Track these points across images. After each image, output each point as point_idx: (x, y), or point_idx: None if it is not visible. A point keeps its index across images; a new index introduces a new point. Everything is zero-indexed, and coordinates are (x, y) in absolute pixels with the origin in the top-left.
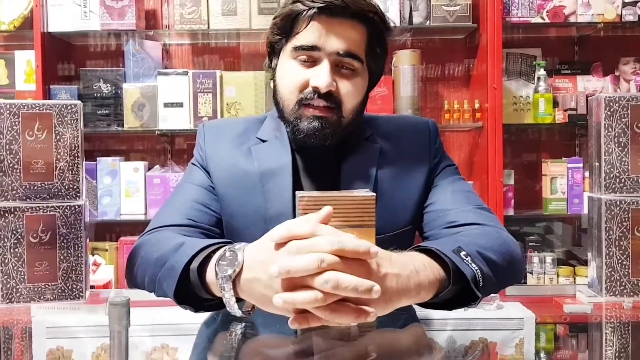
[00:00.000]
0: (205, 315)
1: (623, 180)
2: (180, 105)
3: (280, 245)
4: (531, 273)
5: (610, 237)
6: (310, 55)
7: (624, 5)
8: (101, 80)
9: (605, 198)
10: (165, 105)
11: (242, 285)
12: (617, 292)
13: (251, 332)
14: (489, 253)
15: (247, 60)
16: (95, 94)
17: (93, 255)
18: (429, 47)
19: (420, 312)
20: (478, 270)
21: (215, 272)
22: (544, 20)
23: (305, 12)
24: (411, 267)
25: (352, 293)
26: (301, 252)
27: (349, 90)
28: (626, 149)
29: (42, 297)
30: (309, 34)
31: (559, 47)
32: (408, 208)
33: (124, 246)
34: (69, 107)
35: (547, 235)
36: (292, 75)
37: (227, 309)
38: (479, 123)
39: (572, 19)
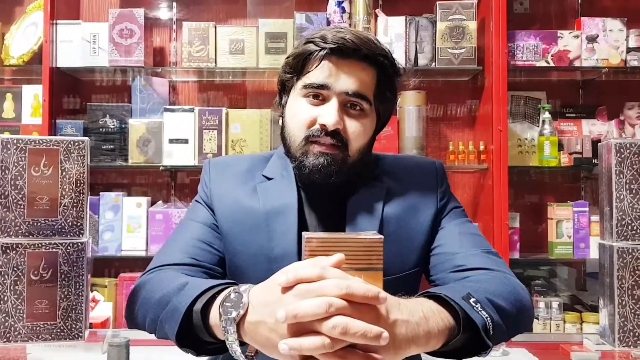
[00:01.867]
0: (205, 359)
1: (635, 228)
2: (186, 141)
3: (287, 289)
4: (537, 318)
5: (622, 285)
6: (319, 94)
7: (629, 50)
8: (107, 115)
9: (617, 246)
10: (171, 141)
11: (246, 328)
12: (630, 343)
13: None
14: (499, 300)
15: (252, 98)
16: (100, 129)
17: (92, 291)
18: (434, 88)
19: (426, 358)
20: (488, 318)
21: (220, 314)
22: (549, 64)
23: (317, 52)
24: (420, 314)
25: (360, 339)
26: (308, 296)
27: (355, 130)
28: (638, 196)
29: (40, 337)
30: (320, 72)
31: (564, 90)
32: (415, 250)
33: (124, 282)
34: (76, 144)
35: (552, 279)
36: (301, 112)
37: (230, 352)
38: (484, 165)
39: (576, 64)
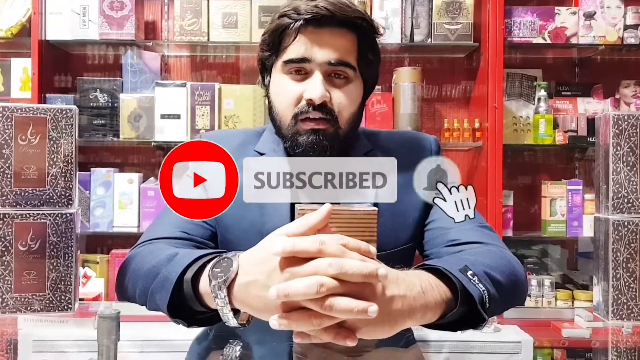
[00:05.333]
0: (196, 331)
1: (631, 201)
2: (178, 117)
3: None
4: (529, 296)
5: (617, 258)
6: (301, 68)
7: (626, 28)
8: (98, 90)
9: (613, 218)
10: (162, 116)
11: (236, 292)
12: (624, 316)
13: (245, 350)
14: (495, 273)
15: (246, 74)
16: (91, 104)
17: (84, 267)
18: (429, 65)
19: (418, 332)
20: (485, 291)
21: (209, 279)
22: (546, 41)
23: (292, 25)
24: (418, 287)
25: (347, 315)
26: (301, 273)
27: (343, 100)
28: (635, 169)
29: (29, 308)
30: (298, 46)
31: (560, 68)
32: (409, 225)
33: (116, 259)
34: (64, 112)
35: (544, 258)
36: (285, 90)
37: (222, 318)
38: (478, 142)
39: (573, 41)
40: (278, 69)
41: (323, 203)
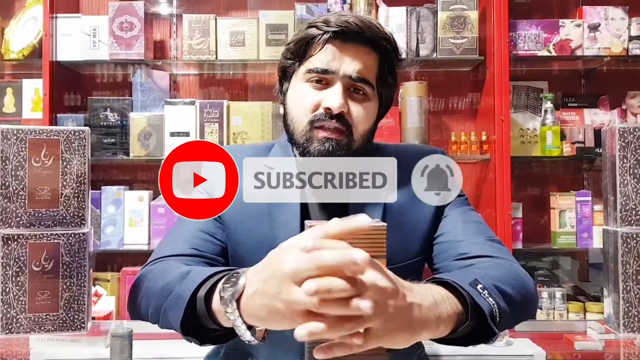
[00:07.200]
0: (207, 349)
1: (639, 213)
2: (187, 134)
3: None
4: (540, 308)
5: (627, 271)
6: (323, 78)
7: (631, 39)
8: (108, 109)
9: (622, 231)
10: (172, 134)
11: (245, 306)
12: (635, 328)
13: None
14: (505, 287)
15: (254, 91)
16: (101, 123)
17: (94, 285)
18: (435, 79)
19: (429, 348)
20: (495, 305)
21: (220, 296)
22: (551, 53)
23: (320, 36)
24: (430, 298)
25: (342, 293)
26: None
27: (359, 114)
28: None
29: (42, 328)
30: (323, 56)
31: (566, 80)
32: (418, 238)
33: (127, 277)
34: (76, 134)
35: (555, 270)
36: (304, 96)
37: (237, 332)
38: (486, 155)
39: (578, 52)
40: (299, 76)
41: (333, 216)
